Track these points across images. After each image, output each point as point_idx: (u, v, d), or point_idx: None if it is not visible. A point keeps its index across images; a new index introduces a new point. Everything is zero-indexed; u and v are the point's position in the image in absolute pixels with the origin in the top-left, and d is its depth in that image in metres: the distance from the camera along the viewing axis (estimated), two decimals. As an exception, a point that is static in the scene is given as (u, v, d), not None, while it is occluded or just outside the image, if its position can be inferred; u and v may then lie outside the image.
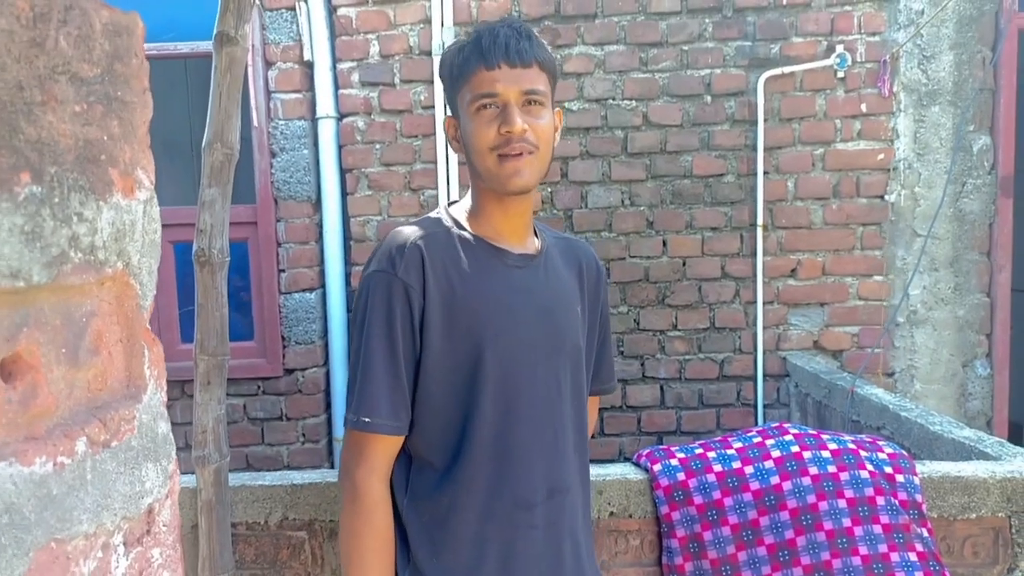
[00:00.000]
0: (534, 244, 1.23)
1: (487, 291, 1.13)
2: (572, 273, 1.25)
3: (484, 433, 1.11)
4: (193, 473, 1.64)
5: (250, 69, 3.13)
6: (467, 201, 1.22)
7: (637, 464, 1.78)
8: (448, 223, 1.18)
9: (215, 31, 1.55)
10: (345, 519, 1.12)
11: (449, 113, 1.21)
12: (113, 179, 0.46)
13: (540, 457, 1.14)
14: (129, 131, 0.49)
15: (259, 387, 3.30)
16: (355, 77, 3.19)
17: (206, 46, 3.14)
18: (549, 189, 3.24)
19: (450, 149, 3.06)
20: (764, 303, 3.21)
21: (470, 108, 1.11)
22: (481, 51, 1.08)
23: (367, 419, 1.08)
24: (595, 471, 1.76)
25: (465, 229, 1.17)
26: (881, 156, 3.17)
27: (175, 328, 3.36)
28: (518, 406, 1.13)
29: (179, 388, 3.28)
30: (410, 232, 1.14)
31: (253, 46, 3.13)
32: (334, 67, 3.19)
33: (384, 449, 1.11)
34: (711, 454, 1.73)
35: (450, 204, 1.26)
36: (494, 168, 1.11)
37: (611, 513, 1.70)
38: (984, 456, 1.84)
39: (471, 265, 1.13)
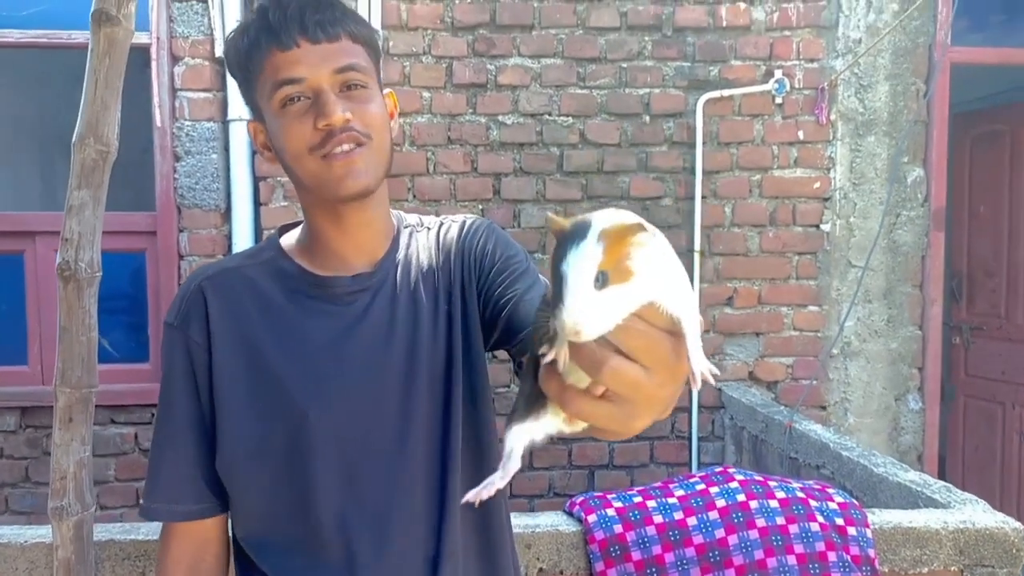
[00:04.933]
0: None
1: (306, 335, 0.91)
2: (438, 262, 0.98)
3: (325, 509, 0.87)
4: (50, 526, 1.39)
5: (153, 63, 2.86)
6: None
7: (570, 513, 1.62)
8: (270, 253, 0.97)
9: (92, 8, 1.33)
10: None
11: (251, 116, 0.95)
12: None
13: (412, 521, 0.89)
14: None
15: (153, 414, 2.97)
16: (273, 79, 2.95)
17: (105, 36, 2.86)
18: (481, 207, 3.07)
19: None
20: (700, 331, 3.10)
21: (272, 104, 0.87)
22: (271, 29, 0.85)
23: (144, 503, 0.93)
24: (523, 521, 1.59)
25: (288, 259, 0.95)
26: (817, 184, 3.13)
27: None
28: (368, 467, 0.88)
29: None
30: (202, 271, 0.95)
31: (158, 39, 2.86)
32: (250, 66, 2.94)
33: (182, 537, 0.94)
34: (651, 503, 1.57)
35: (292, 225, 1.04)
36: (320, 171, 0.86)
37: (540, 569, 1.54)
38: (932, 502, 1.75)
39: (284, 305, 0.92)
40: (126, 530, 1.55)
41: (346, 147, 0.86)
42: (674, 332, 0.52)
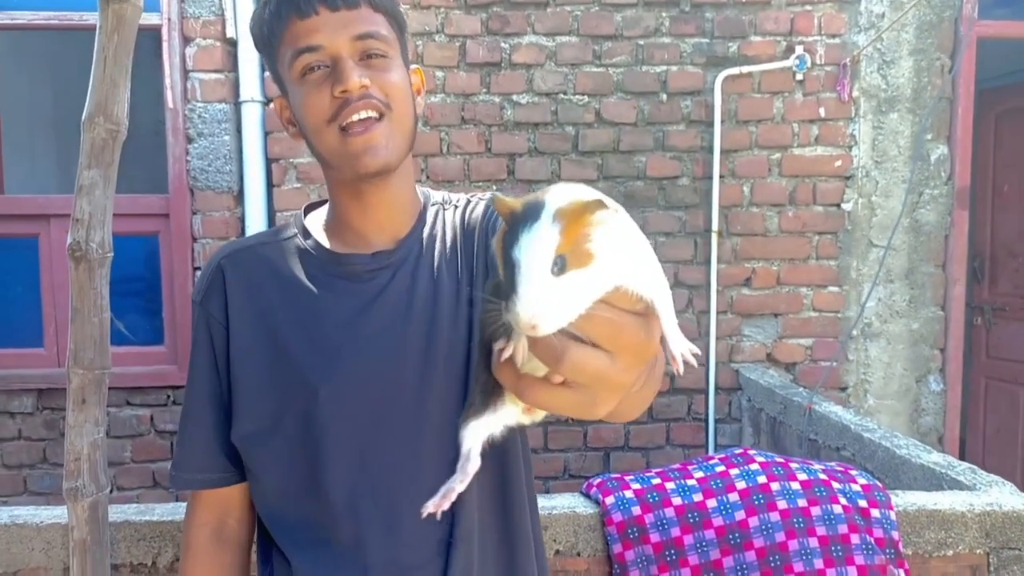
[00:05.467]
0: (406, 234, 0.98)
1: (322, 312, 0.89)
2: (461, 241, 0.96)
3: (335, 487, 0.86)
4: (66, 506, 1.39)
5: (165, 44, 2.83)
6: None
7: (587, 495, 1.59)
8: (292, 231, 0.97)
9: (100, -16, 1.31)
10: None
11: (278, 93, 0.95)
12: None
13: (424, 503, 0.84)
14: None
15: (169, 396, 2.99)
16: (285, 59, 2.92)
17: (116, 17, 2.83)
18: (495, 187, 3.03)
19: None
20: (717, 313, 3.07)
21: (292, 73, 0.86)
22: None
23: (171, 471, 0.99)
24: (539, 503, 1.56)
25: (310, 237, 0.95)
26: (839, 163, 3.06)
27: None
28: (380, 446, 0.87)
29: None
30: (224, 249, 0.97)
31: (169, 20, 2.83)
32: (261, 47, 2.91)
33: (205, 503, 0.98)
34: (670, 485, 1.54)
35: (318, 204, 1.04)
36: (338, 145, 0.85)
37: (557, 551, 1.51)
38: (957, 484, 1.71)
39: (303, 284, 0.91)
40: (141, 511, 1.54)
41: (363, 114, 0.84)
42: (644, 313, 0.48)
